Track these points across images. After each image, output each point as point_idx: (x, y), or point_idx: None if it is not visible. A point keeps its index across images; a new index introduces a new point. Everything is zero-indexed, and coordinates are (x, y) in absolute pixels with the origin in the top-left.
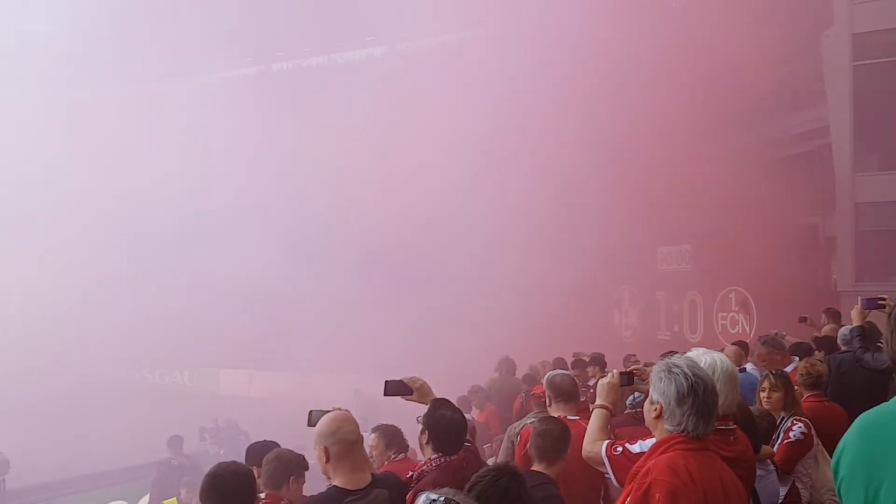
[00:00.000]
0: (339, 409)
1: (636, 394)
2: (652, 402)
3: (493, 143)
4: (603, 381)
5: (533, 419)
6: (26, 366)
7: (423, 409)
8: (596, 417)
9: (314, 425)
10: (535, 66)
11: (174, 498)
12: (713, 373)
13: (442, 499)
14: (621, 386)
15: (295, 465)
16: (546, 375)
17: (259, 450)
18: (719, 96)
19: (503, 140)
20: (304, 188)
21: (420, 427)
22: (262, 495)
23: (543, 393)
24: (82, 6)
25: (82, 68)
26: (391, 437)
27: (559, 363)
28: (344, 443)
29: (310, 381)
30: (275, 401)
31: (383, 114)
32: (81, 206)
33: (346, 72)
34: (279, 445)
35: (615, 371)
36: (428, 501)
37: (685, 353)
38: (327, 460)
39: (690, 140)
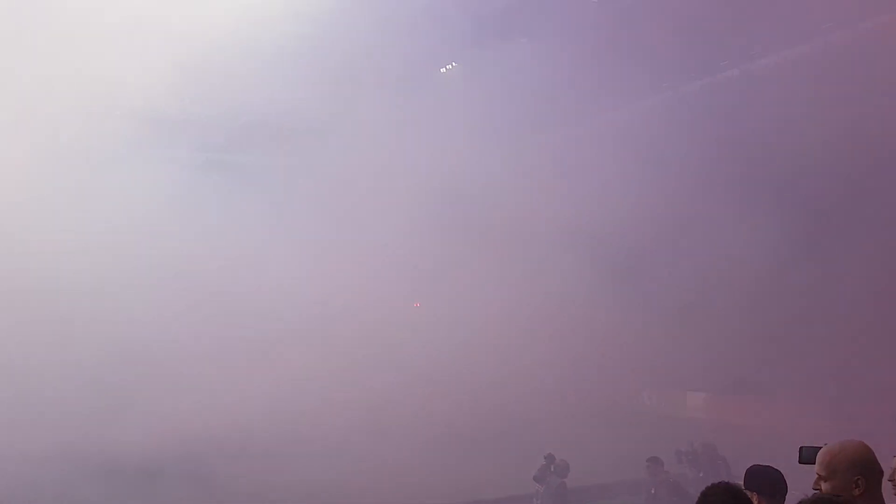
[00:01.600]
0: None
1: None
2: None
3: None
4: None
5: None
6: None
7: None
8: None
9: (806, 462)
10: None
11: None
12: None
13: None
14: None
15: None
16: None
17: (757, 473)
18: None
19: None
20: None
21: None
22: None
23: None
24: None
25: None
26: None
27: None
28: (878, 477)
29: (783, 406)
30: (745, 427)
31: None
32: (539, 222)
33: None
34: (779, 472)
35: None
36: None
37: None
38: (861, 492)
39: None
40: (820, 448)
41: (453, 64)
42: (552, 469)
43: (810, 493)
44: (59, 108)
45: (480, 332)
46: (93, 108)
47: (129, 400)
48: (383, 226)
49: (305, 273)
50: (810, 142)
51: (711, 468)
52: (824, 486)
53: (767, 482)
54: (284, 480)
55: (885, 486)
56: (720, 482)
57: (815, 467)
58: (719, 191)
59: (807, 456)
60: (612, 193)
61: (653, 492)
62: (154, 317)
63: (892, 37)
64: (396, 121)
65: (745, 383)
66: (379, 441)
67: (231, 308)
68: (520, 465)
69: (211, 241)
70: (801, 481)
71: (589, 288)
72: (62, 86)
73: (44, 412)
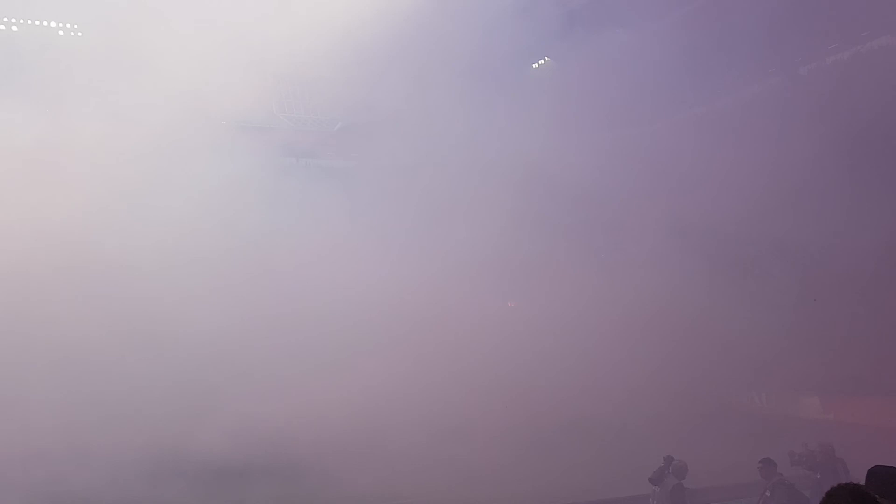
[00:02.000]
0: None
1: None
2: None
3: None
4: None
5: None
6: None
7: None
8: None
9: None
10: None
11: None
12: None
13: None
14: None
15: None
16: None
17: (880, 474)
18: None
19: None
20: None
21: None
22: None
23: None
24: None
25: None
26: None
27: None
28: None
29: None
30: (865, 428)
31: None
32: (643, 218)
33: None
34: None
35: None
36: None
37: None
38: None
39: None
40: None
41: (545, 59)
42: (670, 470)
43: None
44: (156, 118)
45: (582, 334)
46: (189, 117)
47: (215, 402)
48: (478, 224)
49: (394, 274)
50: None
51: (829, 470)
52: None
53: (891, 484)
54: (369, 482)
55: None
56: (846, 483)
57: None
58: (835, 181)
59: None
60: (719, 186)
61: (767, 494)
62: (240, 320)
63: None
64: (488, 119)
65: (865, 383)
66: (489, 443)
67: (319, 310)
68: (628, 466)
69: (297, 245)
70: None
71: (698, 285)
72: (161, 95)
73: (133, 414)
